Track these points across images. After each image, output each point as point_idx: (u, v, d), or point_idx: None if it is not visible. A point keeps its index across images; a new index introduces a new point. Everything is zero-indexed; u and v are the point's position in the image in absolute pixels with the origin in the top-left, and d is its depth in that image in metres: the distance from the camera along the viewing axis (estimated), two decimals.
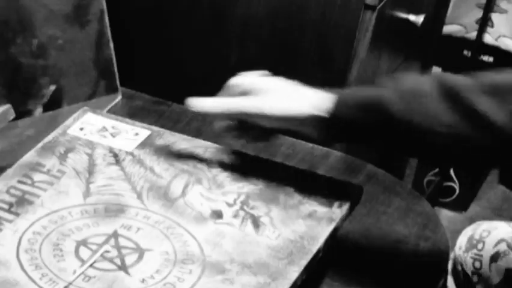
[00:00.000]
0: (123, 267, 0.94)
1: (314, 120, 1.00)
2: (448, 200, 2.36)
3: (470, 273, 1.25)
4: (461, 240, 1.28)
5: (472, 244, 1.26)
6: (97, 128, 1.13)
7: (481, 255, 1.24)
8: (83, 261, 0.94)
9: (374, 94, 0.98)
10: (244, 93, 1.05)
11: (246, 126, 1.06)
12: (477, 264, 1.24)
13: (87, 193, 1.03)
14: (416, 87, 0.97)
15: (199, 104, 1.06)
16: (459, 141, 0.94)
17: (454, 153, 0.97)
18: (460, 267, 1.27)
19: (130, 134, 1.12)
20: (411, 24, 1.72)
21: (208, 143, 1.13)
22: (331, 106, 0.99)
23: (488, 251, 1.24)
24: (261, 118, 1.02)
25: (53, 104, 1.28)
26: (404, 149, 1.01)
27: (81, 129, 1.12)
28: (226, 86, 1.08)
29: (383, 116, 0.96)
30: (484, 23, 2.14)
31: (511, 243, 1.23)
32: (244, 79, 1.07)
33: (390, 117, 0.96)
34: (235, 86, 1.06)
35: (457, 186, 2.33)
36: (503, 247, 1.23)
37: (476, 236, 1.26)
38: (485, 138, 0.93)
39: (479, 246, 1.25)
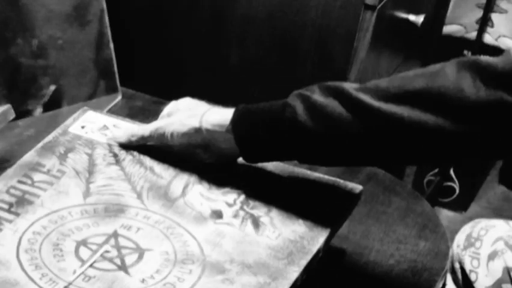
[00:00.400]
0: (123, 267, 0.94)
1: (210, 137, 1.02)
2: (447, 200, 2.36)
3: (468, 271, 1.25)
4: (459, 238, 1.28)
5: (469, 242, 1.26)
6: (98, 126, 1.13)
7: (479, 254, 1.24)
8: (83, 261, 0.94)
9: (277, 109, 0.97)
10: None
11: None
12: (475, 262, 1.24)
13: (87, 193, 1.03)
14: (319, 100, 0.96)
15: (116, 135, 1.11)
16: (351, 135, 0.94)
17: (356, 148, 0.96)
18: (458, 265, 1.27)
19: None
20: (411, 24, 1.72)
21: None
22: (228, 123, 1.00)
23: (486, 249, 1.24)
24: (163, 139, 1.05)
25: (53, 104, 1.28)
26: (319, 157, 0.99)
27: (82, 127, 1.12)
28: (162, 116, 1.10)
29: (288, 130, 0.96)
30: (484, 23, 2.14)
31: (508, 242, 1.23)
32: (167, 107, 1.09)
33: (299, 131, 0.95)
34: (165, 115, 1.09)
35: (457, 186, 2.33)
36: (500, 245, 1.23)
37: (474, 234, 1.26)
38: (367, 123, 0.92)
39: (477, 244, 1.25)
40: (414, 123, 0.89)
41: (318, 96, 0.95)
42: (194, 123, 1.02)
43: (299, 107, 0.95)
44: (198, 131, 1.02)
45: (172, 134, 1.04)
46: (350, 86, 0.94)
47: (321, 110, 0.94)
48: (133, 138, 1.08)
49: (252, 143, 0.99)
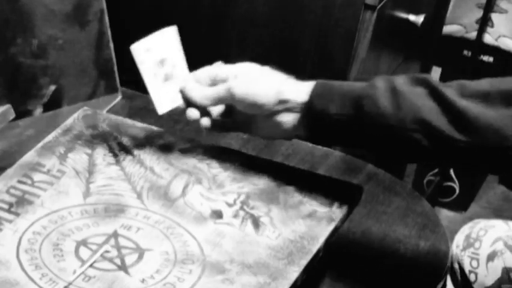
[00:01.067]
0: (123, 267, 0.94)
1: (286, 110, 0.99)
2: (448, 200, 2.36)
3: (467, 271, 1.25)
4: (458, 239, 1.28)
5: (469, 243, 1.26)
6: (157, 59, 1.07)
7: (478, 254, 1.24)
8: (83, 261, 0.94)
9: (360, 87, 0.97)
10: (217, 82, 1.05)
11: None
12: (474, 263, 1.24)
13: (87, 193, 1.03)
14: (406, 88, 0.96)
15: (192, 94, 1.05)
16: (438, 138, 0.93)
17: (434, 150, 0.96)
18: (457, 266, 1.27)
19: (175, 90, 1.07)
20: (411, 24, 1.72)
21: (208, 143, 1.13)
22: (307, 94, 0.98)
23: (485, 249, 1.24)
24: (234, 101, 1.02)
25: (53, 104, 1.28)
26: (380, 146, 0.98)
27: (147, 50, 1.07)
28: (204, 73, 1.07)
29: (369, 111, 0.95)
30: (484, 23, 2.14)
31: (507, 242, 1.23)
32: (222, 67, 1.07)
33: (377, 114, 0.94)
34: (216, 75, 1.06)
35: (457, 186, 2.33)
36: (499, 246, 1.23)
37: (473, 235, 1.26)
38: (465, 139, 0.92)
39: (476, 245, 1.25)
40: None
41: (403, 84, 0.95)
42: (273, 89, 1.00)
43: (382, 89, 0.94)
44: (275, 98, 0.99)
45: (246, 97, 1.00)
46: (438, 82, 0.95)
47: (405, 97, 0.93)
48: (207, 101, 1.04)
49: (324, 119, 0.97)
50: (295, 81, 1.02)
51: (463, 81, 0.95)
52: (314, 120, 0.98)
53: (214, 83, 1.04)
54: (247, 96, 1.00)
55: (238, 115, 1.04)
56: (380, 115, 0.94)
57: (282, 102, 0.99)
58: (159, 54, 1.06)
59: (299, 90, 0.99)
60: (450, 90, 0.93)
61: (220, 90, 1.02)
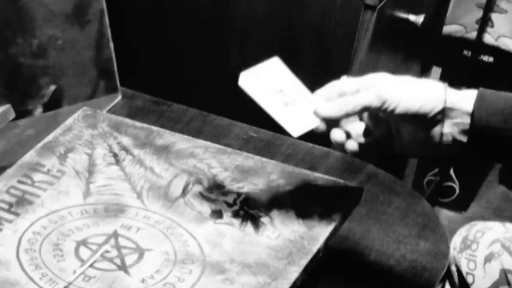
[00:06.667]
0: (123, 267, 0.94)
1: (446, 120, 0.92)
2: (448, 200, 2.35)
3: (464, 273, 1.25)
4: (456, 241, 1.28)
5: (466, 245, 1.25)
6: (274, 88, 0.98)
7: (475, 256, 1.24)
8: (83, 261, 0.94)
9: None
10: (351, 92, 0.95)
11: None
12: (471, 265, 1.24)
13: (87, 193, 1.03)
14: None
15: (324, 111, 0.95)
16: None
17: None
18: (454, 268, 1.27)
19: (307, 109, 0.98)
20: (411, 24, 1.72)
21: (208, 143, 1.13)
22: (471, 106, 0.90)
23: (482, 251, 1.23)
24: (386, 110, 0.92)
25: (53, 104, 1.28)
26: None
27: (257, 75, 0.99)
28: (327, 90, 0.97)
29: None
30: (484, 23, 2.14)
31: (504, 244, 1.23)
32: (348, 80, 0.97)
33: None
34: (346, 87, 0.96)
35: (457, 186, 2.33)
36: (497, 248, 1.23)
37: (471, 237, 1.26)
38: None
39: (474, 246, 1.25)
40: None
41: None
42: (435, 98, 0.91)
43: None
44: (438, 110, 0.91)
45: (396, 108, 0.91)
46: None
47: None
48: (349, 109, 0.93)
49: (486, 132, 0.90)
50: (455, 89, 0.93)
51: None
52: (477, 131, 0.91)
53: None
54: (406, 102, 0.91)
55: (380, 129, 0.97)
56: None
57: (447, 110, 0.92)
58: (271, 82, 0.99)
59: (464, 100, 0.91)
60: None
61: (366, 96, 0.92)
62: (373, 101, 0.92)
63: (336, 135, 0.95)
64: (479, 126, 0.91)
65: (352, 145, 0.96)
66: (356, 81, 0.95)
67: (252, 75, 0.97)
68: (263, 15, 1.56)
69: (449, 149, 0.94)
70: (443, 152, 0.95)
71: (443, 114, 0.92)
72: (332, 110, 0.93)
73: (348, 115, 0.94)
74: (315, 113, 0.94)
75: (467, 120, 0.92)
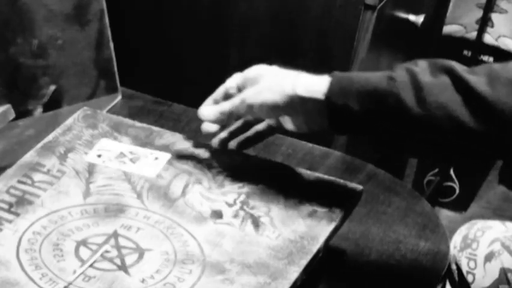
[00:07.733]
0: (123, 267, 0.94)
1: (302, 106, 0.97)
2: (448, 200, 2.35)
3: (465, 272, 1.25)
4: (456, 240, 1.28)
5: (466, 243, 1.25)
6: (115, 154, 1.10)
7: (475, 255, 1.24)
8: (83, 261, 0.94)
9: (380, 82, 0.94)
10: (239, 89, 1.05)
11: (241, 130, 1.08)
12: (471, 263, 1.24)
13: (87, 193, 1.03)
14: (434, 81, 0.92)
15: (205, 113, 1.06)
16: (467, 134, 0.91)
17: (461, 147, 0.94)
18: (454, 266, 1.27)
19: (150, 159, 1.09)
20: (411, 24, 1.72)
21: (208, 143, 1.13)
22: (325, 90, 0.96)
23: (483, 250, 1.24)
24: (251, 111, 1.01)
25: (53, 104, 1.28)
26: (404, 138, 0.97)
27: (98, 156, 1.09)
28: (219, 91, 1.08)
29: (392, 107, 0.92)
30: (484, 23, 2.14)
31: (505, 243, 1.23)
32: (233, 77, 1.06)
33: (400, 110, 0.92)
34: (228, 88, 1.06)
35: (457, 186, 2.33)
36: (497, 247, 1.23)
37: (471, 236, 1.26)
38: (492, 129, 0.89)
39: (474, 245, 1.25)
40: None
41: (425, 73, 0.92)
42: (286, 89, 0.97)
43: (404, 83, 0.92)
44: (291, 98, 0.97)
45: (262, 104, 0.99)
46: (461, 68, 0.92)
47: (428, 91, 0.90)
48: (223, 116, 1.04)
49: (345, 114, 0.95)
50: (308, 75, 0.99)
51: (491, 66, 0.93)
52: (335, 114, 0.95)
53: (229, 97, 1.05)
54: (262, 102, 0.99)
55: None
56: (403, 111, 0.91)
57: (300, 99, 0.97)
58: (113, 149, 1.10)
59: (316, 84, 0.97)
60: (477, 79, 0.91)
61: (232, 103, 1.03)
62: (239, 108, 1.02)
63: (205, 127, 1.07)
64: (335, 109, 0.95)
65: (215, 141, 1.08)
66: (236, 80, 1.05)
67: None
68: (263, 15, 1.56)
69: (322, 127, 0.99)
70: (319, 128, 1.00)
71: (299, 103, 0.97)
72: (210, 115, 1.05)
73: (226, 119, 1.04)
74: (199, 115, 1.06)
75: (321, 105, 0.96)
